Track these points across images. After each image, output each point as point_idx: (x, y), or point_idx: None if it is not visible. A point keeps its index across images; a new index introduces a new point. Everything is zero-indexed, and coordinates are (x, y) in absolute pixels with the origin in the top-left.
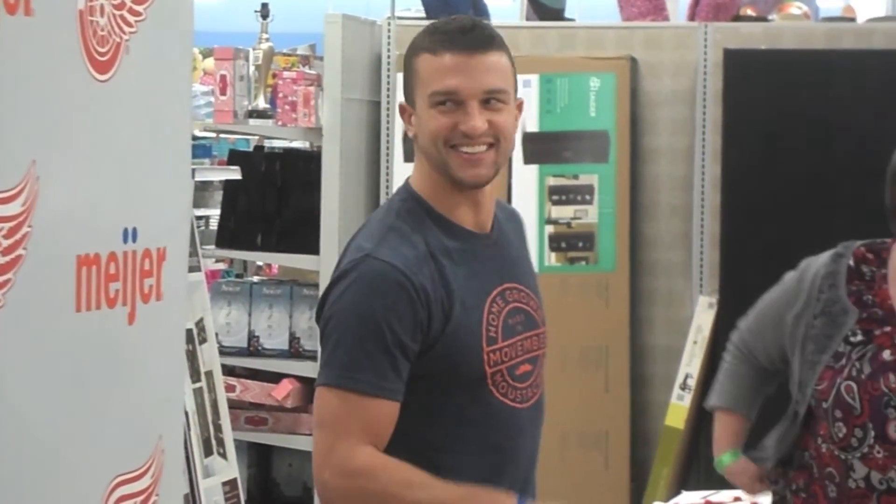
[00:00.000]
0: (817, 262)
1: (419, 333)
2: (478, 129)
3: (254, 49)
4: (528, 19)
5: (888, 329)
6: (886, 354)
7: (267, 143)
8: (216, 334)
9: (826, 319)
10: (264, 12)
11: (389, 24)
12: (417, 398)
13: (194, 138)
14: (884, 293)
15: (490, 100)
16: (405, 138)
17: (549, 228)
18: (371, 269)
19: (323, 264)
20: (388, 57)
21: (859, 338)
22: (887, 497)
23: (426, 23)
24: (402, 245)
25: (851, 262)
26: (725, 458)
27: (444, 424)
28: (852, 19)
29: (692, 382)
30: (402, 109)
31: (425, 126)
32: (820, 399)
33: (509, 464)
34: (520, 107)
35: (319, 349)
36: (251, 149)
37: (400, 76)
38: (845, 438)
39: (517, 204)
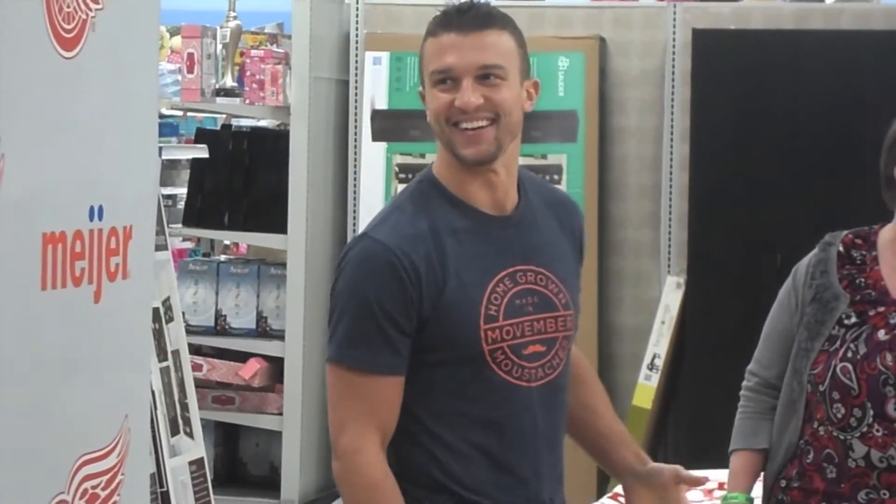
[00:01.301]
0: (806, 259)
1: (412, 310)
2: (470, 104)
3: (221, 27)
4: None
5: (882, 309)
6: (881, 334)
7: (234, 122)
8: (183, 313)
9: (818, 306)
10: None
11: (358, 2)
12: (418, 372)
13: (161, 116)
14: (876, 274)
15: (488, 76)
16: (373, 117)
17: None
18: (364, 248)
19: (290, 243)
20: (357, 35)
21: (853, 320)
22: (887, 474)
23: (394, 2)
24: (400, 224)
25: (841, 248)
26: (739, 498)
27: (444, 398)
28: (820, 0)
29: (660, 363)
30: (421, 95)
31: (429, 106)
32: (816, 383)
33: (515, 441)
34: (535, 86)
35: None
36: (219, 127)
37: (368, 55)
38: (844, 419)
39: None
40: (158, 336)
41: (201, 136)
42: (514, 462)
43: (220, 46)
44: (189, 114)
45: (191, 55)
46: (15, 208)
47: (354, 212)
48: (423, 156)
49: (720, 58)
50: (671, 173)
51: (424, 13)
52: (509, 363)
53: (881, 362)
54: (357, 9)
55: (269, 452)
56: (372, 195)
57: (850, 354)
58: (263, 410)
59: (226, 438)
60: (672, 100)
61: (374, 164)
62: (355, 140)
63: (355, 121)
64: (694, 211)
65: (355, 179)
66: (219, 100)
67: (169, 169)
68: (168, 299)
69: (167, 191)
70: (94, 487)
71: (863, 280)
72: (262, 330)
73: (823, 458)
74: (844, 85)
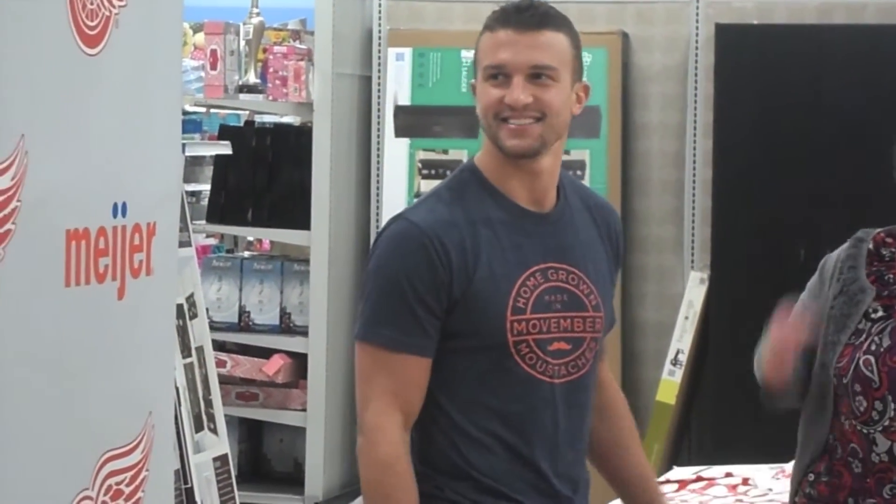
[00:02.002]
0: (836, 252)
1: (442, 293)
2: (519, 101)
3: (244, 24)
4: None
5: None
6: None
7: (257, 118)
8: (207, 310)
9: (845, 299)
10: None
11: None
12: (443, 358)
13: (185, 113)
14: None
15: (540, 75)
16: (396, 113)
17: None
18: (398, 229)
19: (314, 239)
20: (380, 31)
21: (880, 314)
22: None
23: None
24: (437, 209)
25: (871, 246)
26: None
27: (467, 387)
28: None
29: (683, 358)
30: (472, 87)
31: (480, 99)
32: (840, 376)
33: (535, 436)
34: (585, 90)
35: None
36: (242, 124)
37: (391, 51)
38: (866, 412)
39: None
40: (182, 332)
41: (224, 132)
42: (535, 456)
43: (243, 43)
44: (212, 110)
45: (214, 52)
46: (39, 205)
47: (377, 208)
48: (445, 152)
49: (743, 53)
50: (694, 169)
51: (447, 9)
52: (533, 357)
53: None
54: (380, 4)
55: (293, 448)
56: (395, 191)
57: (873, 347)
58: (287, 406)
59: (250, 434)
60: (695, 95)
61: (396, 160)
62: (378, 136)
63: (378, 117)
64: (717, 206)
65: (378, 175)
66: (242, 96)
67: (192, 165)
68: (192, 296)
69: (190, 187)
70: (118, 484)
71: (891, 276)
72: (286, 326)
73: (849, 453)
74: (868, 79)
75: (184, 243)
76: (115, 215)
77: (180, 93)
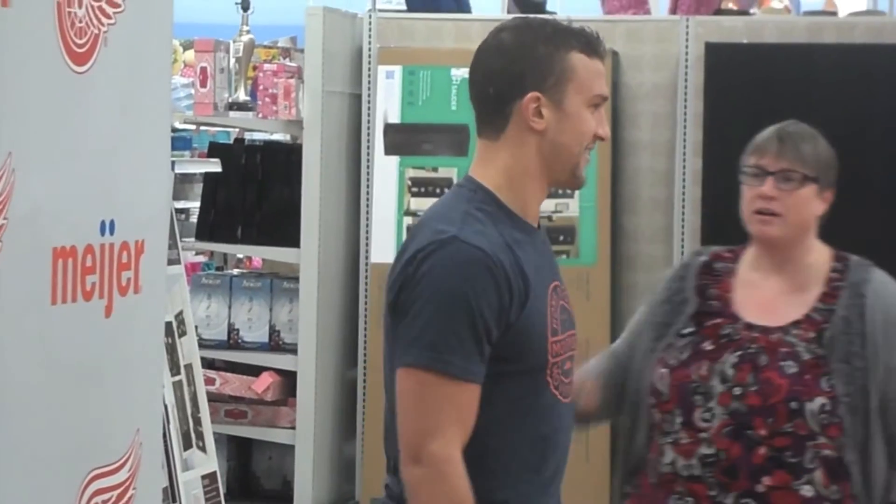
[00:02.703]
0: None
1: (502, 318)
2: (608, 135)
3: (234, 41)
4: (509, 12)
5: (718, 321)
6: (707, 344)
7: (247, 136)
8: (196, 327)
9: (669, 307)
10: (245, 4)
11: (371, 16)
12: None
13: (174, 130)
14: (726, 285)
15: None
16: (386, 131)
17: None
18: (460, 251)
19: (303, 257)
20: (370, 49)
21: (690, 329)
22: (690, 483)
23: (407, 16)
24: (484, 230)
25: (707, 258)
26: None
27: (501, 410)
28: (833, 13)
29: None
30: (535, 100)
31: (577, 125)
32: (646, 388)
33: (551, 456)
34: None
35: (394, 321)
36: (231, 141)
37: (381, 69)
38: (659, 424)
39: None
40: (171, 350)
41: (214, 149)
42: (550, 479)
43: (233, 60)
44: (202, 128)
45: (204, 69)
46: (26, 223)
47: (367, 226)
48: (435, 169)
49: (733, 71)
50: (684, 187)
51: (437, 27)
52: (559, 378)
53: (695, 371)
54: (370, 23)
55: (282, 466)
56: (385, 209)
57: (672, 362)
58: (276, 424)
59: (238, 452)
60: (685, 113)
61: (386, 178)
62: (368, 154)
63: (368, 135)
64: (706, 225)
65: (368, 193)
66: (232, 114)
67: (182, 183)
68: (181, 313)
69: (180, 205)
70: (105, 501)
71: (714, 291)
72: (275, 344)
73: (649, 463)
74: (858, 98)
75: (173, 261)
76: (102, 233)
77: (169, 110)
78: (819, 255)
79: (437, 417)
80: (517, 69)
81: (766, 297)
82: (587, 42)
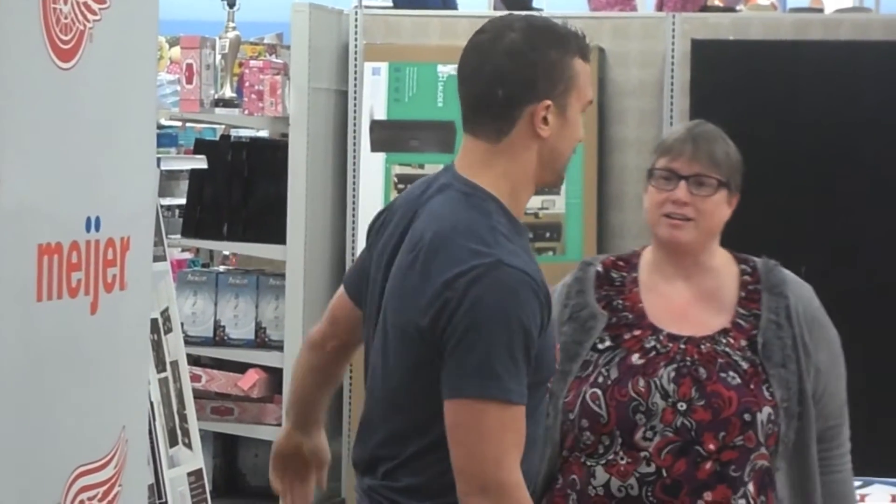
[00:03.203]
0: (564, 279)
1: (541, 336)
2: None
3: (220, 38)
4: (495, 9)
5: (638, 332)
6: (635, 358)
7: (233, 133)
8: (181, 324)
9: (575, 325)
10: (231, 1)
11: (357, 13)
12: None
13: (160, 127)
14: (634, 296)
15: None
16: (372, 128)
17: None
18: (509, 275)
19: (289, 254)
20: (356, 46)
21: (607, 343)
22: None
23: (393, 12)
24: (516, 250)
25: (600, 268)
26: None
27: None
28: (820, 10)
29: None
30: (545, 109)
31: (574, 131)
32: (567, 411)
33: (536, 455)
34: None
35: (432, 338)
36: (217, 138)
37: (367, 65)
38: (592, 446)
39: None
40: (157, 347)
41: (200, 146)
42: (533, 478)
43: (218, 57)
44: (188, 124)
45: (190, 66)
46: (11, 219)
47: (353, 222)
48: (421, 166)
49: (719, 68)
50: None
51: (423, 24)
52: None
53: (632, 388)
54: (356, 19)
55: (268, 463)
56: (371, 206)
57: (600, 380)
58: (262, 421)
59: (224, 449)
60: (671, 110)
61: (373, 175)
62: (354, 150)
63: (354, 131)
64: None
65: (354, 190)
66: (218, 110)
67: (168, 179)
68: (167, 310)
69: (166, 201)
70: (90, 499)
71: (620, 302)
72: (261, 340)
73: (568, 484)
74: (844, 95)
75: (159, 257)
76: (88, 229)
77: (155, 107)
78: (722, 258)
79: (503, 446)
80: (531, 74)
81: (678, 306)
82: (584, 47)
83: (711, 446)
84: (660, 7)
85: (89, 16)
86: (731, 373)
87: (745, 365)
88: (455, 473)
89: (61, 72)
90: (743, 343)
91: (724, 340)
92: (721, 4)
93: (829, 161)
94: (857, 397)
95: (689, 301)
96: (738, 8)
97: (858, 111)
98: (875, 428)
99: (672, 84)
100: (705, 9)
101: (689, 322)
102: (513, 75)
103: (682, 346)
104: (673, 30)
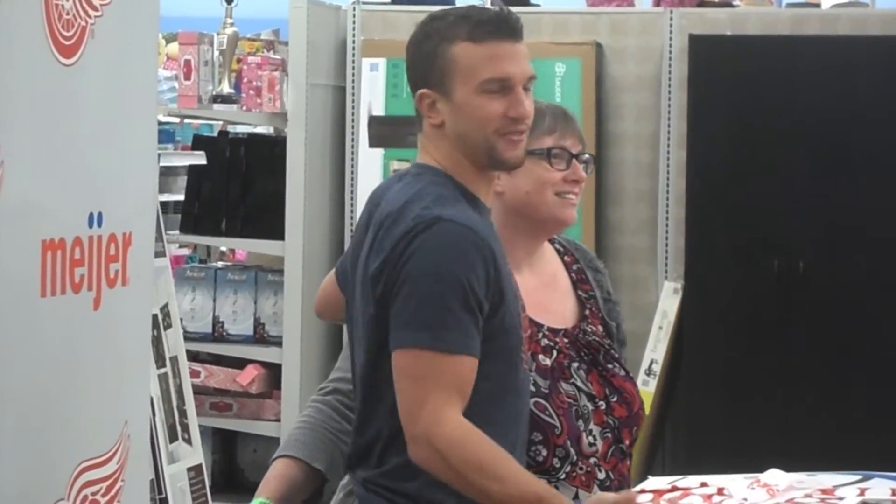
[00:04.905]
0: None
1: (490, 293)
2: (529, 113)
3: (218, 34)
4: (492, 4)
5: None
6: (542, 358)
7: (231, 129)
8: (181, 320)
9: None
10: None
11: (354, 9)
12: None
13: (158, 123)
14: None
15: (527, 86)
16: (370, 124)
17: None
18: (447, 230)
19: (288, 249)
20: (354, 42)
21: None
22: None
23: (391, 8)
24: (465, 210)
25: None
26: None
27: (488, 388)
28: (817, 5)
29: (657, 368)
30: (425, 96)
31: (472, 113)
32: None
33: (522, 429)
34: None
35: (382, 307)
36: (215, 134)
37: (365, 61)
38: (546, 461)
39: None
40: (157, 343)
41: (198, 142)
42: (521, 454)
43: (216, 53)
44: (186, 121)
45: (187, 62)
46: (14, 215)
47: (352, 218)
48: None
49: (717, 63)
50: (668, 179)
51: (421, 19)
52: (523, 353)
53: (566, 392)
54: (354, 15)
55: (267, 459)
56: None
57: (534, 388)
58: (261, 417)
59: (223, 445)
60: (669, 106)
61: (371, 171)
62: (352, 146)
63: (352, 127)
64: (691, 216)
65: (352, 186)
66: (216, 106)
67: (166, 176)
68: (166, 306)
69: (164, 198)
70: (94, 494)
71: None
72: (260, 336)
73: None
74: (841, 90)
75: (159, 253)
76: (90, 225)
77: (156, 103)
78: None
79: (426, 389)
80: (411, 67)
81: (533, 295)
82: (482, 29)
83: (627, 442)
84: (657, 2)
85: (91, 12)
86: (615, 364)
87: (613, 352)
88: None
89: (63, 68)
90: (600, 329)
91: (589, 329)
92: (718, 0)
93: (826, 156)
94: (856, 393)
95: (538, 288)
96: (735, 3)
97: (856, 106)
98: (875, 423)
99: (670, 79)
100: (702, 4)
101: (550, 312)
102: (406, 70)
103: (567, 341)
104: (670, 25)
